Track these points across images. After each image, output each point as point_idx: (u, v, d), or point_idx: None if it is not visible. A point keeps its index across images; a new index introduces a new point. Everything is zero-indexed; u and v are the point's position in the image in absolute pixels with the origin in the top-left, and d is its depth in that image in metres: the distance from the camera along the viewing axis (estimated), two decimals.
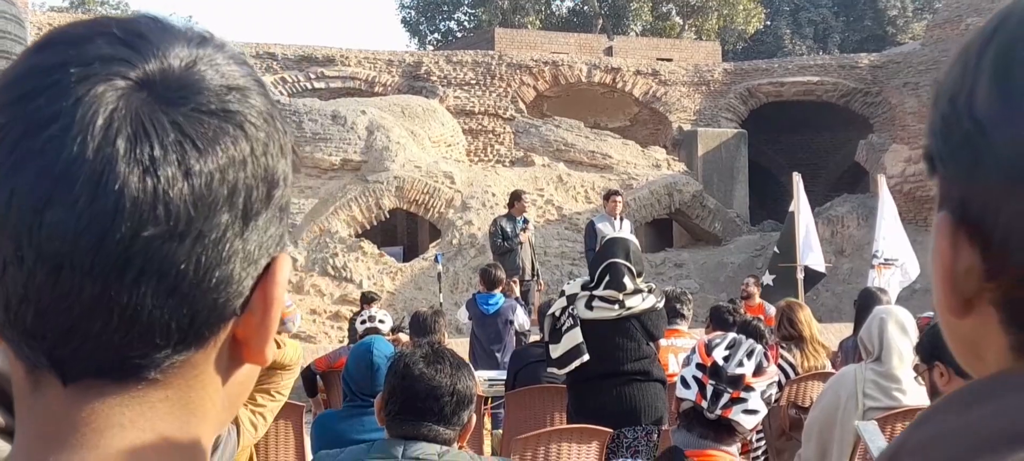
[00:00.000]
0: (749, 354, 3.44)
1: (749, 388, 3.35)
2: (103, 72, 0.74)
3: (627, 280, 5.99)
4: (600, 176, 22.27)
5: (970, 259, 0.76)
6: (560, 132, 23.21)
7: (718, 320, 9.28)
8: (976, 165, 0.75)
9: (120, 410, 0.76)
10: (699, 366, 3.41)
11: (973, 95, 0.76)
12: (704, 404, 3.34)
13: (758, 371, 3.41)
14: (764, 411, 3.47)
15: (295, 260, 18.16)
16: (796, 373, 6.89)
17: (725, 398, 3.33)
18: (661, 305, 6.18)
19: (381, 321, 8.73)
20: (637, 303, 6.00)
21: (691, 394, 3.38)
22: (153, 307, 0.74)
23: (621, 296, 5.96)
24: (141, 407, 0.77)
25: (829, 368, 7.11)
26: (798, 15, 42.97)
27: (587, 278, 6.23)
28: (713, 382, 3.34)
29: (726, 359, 3.39)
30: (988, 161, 0.74)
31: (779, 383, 6.89)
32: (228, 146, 0.75)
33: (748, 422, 3.39)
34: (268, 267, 0.80)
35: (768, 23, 42.34)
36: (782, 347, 7.05)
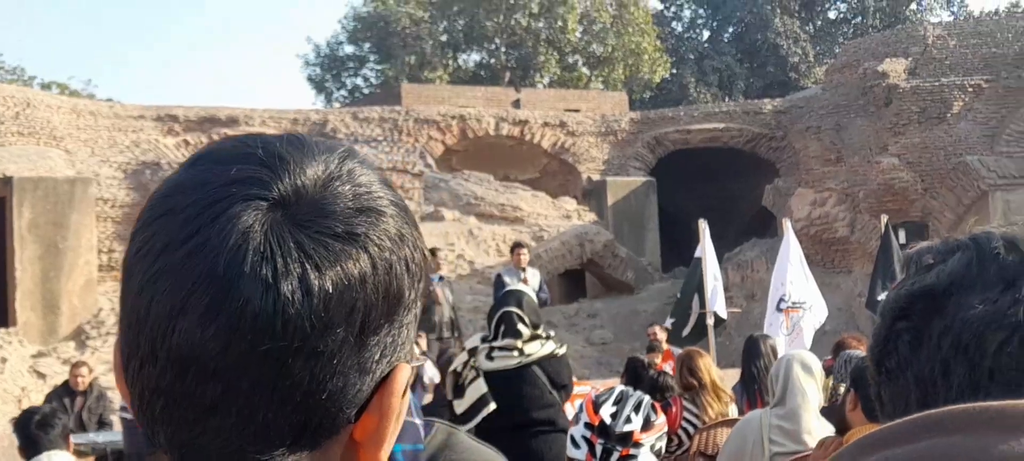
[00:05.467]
0: (636, 408, 3.38)
1: (638, 444, 3.33)
2: (240, 193, 0.80)
3: (521, 327, 5.93)
4: (511, 228, 22.21)
5: None
6: (470, 186, 23.14)
7: (632, 374, 9.19)
8: None
9: None
10: (587, 425, 3.39)
11: None
12: None
13: (646, 425, 3.36)
14: None
15: None
16: (702, 423, 6.83)
17: (615, 456, 3.32)
18: (562, 351, 6.08)
19: None
20: (536, 349, 5.93)
21: (581, 454, 3.37)
22: (268, 411, 0.79)
23: (519, 343, 5.87)
24: None
25: (734, 414, 7.04)
26: (703, 63, 43.62)
27: (486, 332, 6.13)
28: (602, 441, 3.33)
29: (614, 417, 3.37)
30: None
31: (687, 433, 6.82)
32: (349, 267, 0.80)
33: None
34: (388, 376, 0.85)
35: (673, 72, 42.90)
36: (685, 398, 6.98)
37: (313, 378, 0.79)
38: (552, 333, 6.24)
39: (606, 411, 3.37)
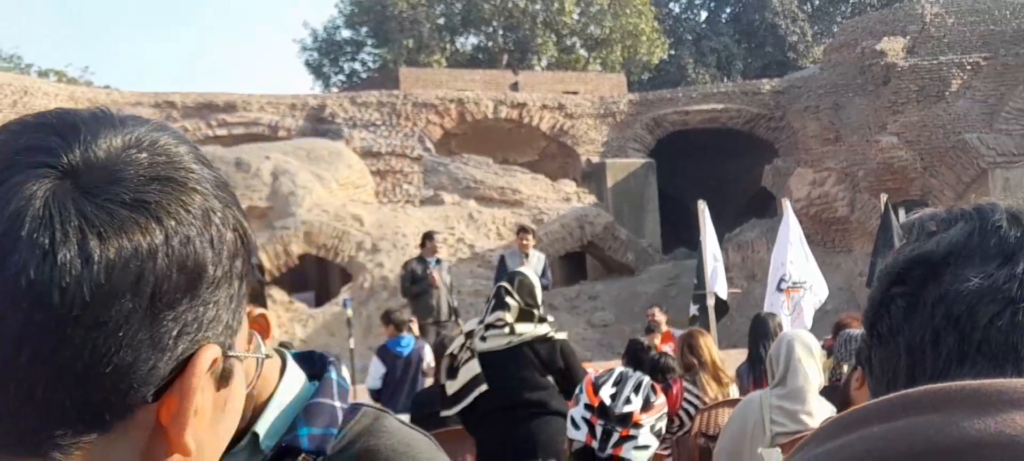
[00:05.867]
0: (636, 389, 3.40)
1: (638, 425, 3.35)
2: (26, 161, 0.77)
3: (509, 300, 5.92)
4: (511, 212, 22.23)
5: None
6: (469, 169, 23.15)
7: (632, 356, 9.21)
8: None
9: None
10: (587, 406, 3.39)
11: None
12: (595, 444, 3.33)
13: (646, 406, 3.38)
14: (655, 444, 3.47)
15: None
16: (702, 403, 6.86)
17: (615, 437, 3.32)
18: (560, 336, 6.06)
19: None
20: (528, 330, 5.91)
21: (581, 435, 3.37)
22: (47, 387, 0.75)
23: (507, 317, 5.86)
24: None
25: (736, 394, 7.08)
26: (701, 44, 43.59)
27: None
28: (602, 422, 3.33)
29: (613, 398, 3.37)
30: None
31: (688, 414, 6.84)
32: (136, 236, 0.76)
33: (640, 458, 3.38)
34: (191, 355, 0.81)
35: (672, 53, 42.85)
36: (686, 380, 7.01)
37: (95, 350, 0.76)
38: (550, 318, 6.22)
39: (606, 392, 3.39)
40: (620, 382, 3.43)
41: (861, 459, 0.85)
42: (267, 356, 0.99)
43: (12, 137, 0.80)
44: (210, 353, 0.82)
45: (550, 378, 5.93)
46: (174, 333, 0.79)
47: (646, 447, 3.39)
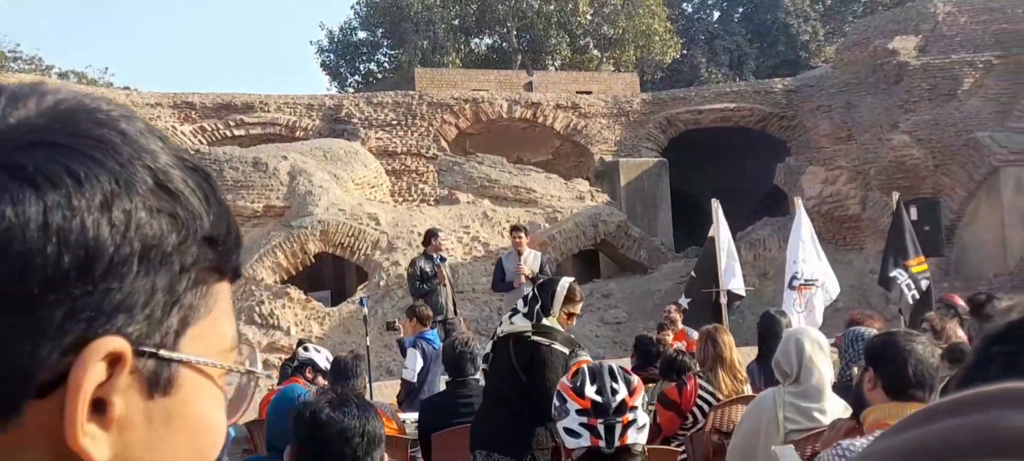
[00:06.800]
0: (613, 376, 3.44)
1: (633, 408, 3.38)
2: None
3: (519, 302, 6.09)
4: (525, 211, 22.35)
5: None
6: (483, 169, 23.28)
7: (642, 351, 9.35)
8: None
9: None
10: (579, 411, 3.37)
11: None
12: (602, 444, 3.34)
13: (629, 388, 3.42)
14: (647, 420, 3.50)
15: None
16: (716, 400, 6.96)
17: (618, 429, 3.34)
18: (542, 340, 5.89)
19: (317, 350, 8.33)
20: (506, 327, 6.00)
21: (584, 441, 3.36)
22: None
23: (519, 310, 6.02)
24: None
25: (750, 391, 7.18)
26: (713, 43, 43.62)
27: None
28: (602, 420, 3.34)
29: (600, 393, 3.38)
30: None
31: (702, 411, 6.95)
32: (4, 206, 0.68)
33: (642, 438, 3.42)
34: (85, 343, 0.70)
35: (684, 52, 42.88)
36: (700, 377, 7.12)
37: None
38: (550, 321, 6.12)
39: (591, 391, 3.38)
40: (597, 376, 3.42)
41: (932, 447, 0.82)
42: (253, 374, 0.86)
43: None
44: (106, 344, 0.71)
45: (522, 376, 5.94)
46: (58, 317, 0.69)
47: (644, 426, 3.42)
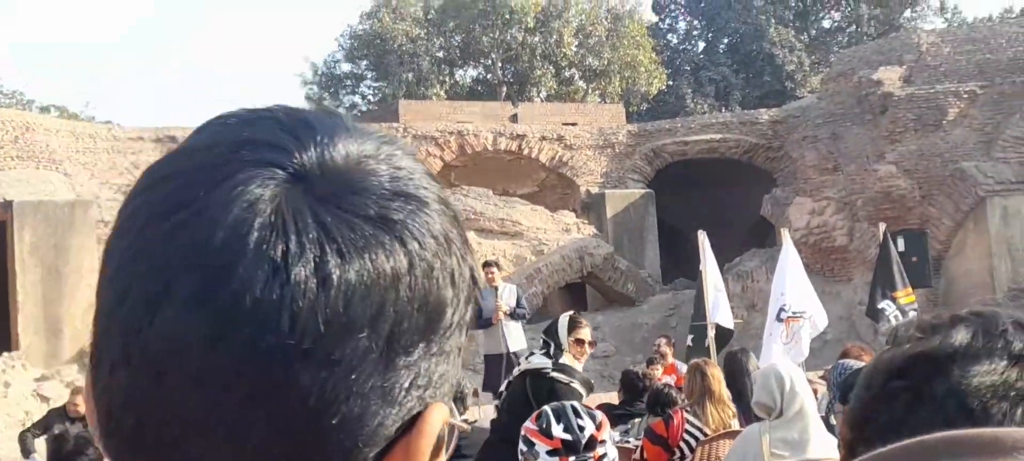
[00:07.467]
0: (577, 414, 3.44)
1: (603, 442, 3.40)
2: (252, 157, 0.65)
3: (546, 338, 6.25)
4: (511, 243, 22.26)
5: None
6: (469, 201, 23.20)
7: (628, 386, 9.24)
8: None
9: None
10: (551, 452, 3.38)
11: None
12: None
13: (595, 422, 3.44)
14: (616, 454, 3.52)
15: None
16: (704, 435, 6.86)
17: None
18: (560, 377, 6.10)
19: None
20: (525, 364, 6.18)
21: None
22: (264, 434, 0.62)
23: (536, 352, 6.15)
24: None
25: (737, 426, 7.08)
26: (699, 74, 43.74)
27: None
28: (574, 456, 3.34)
29: (568, 430, 3.38)
30: None
31: (689, 446, 6.84)
32: (380, 258, 0.64)
33: None
34: (419, 415, 0.68)
35: (670, 83, 43.02)
36: (687, 411, 7.02)
37: (323, 395, 0.62)
38: (562, 361, 6.30)
39: (558, 431, 3.38)
40: (561, 416, 3.43)
41: None
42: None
43: (229, 129, 0.68)
44: (441, 413, 0.68)
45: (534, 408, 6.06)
46: (405, 385, 0.66)
47: (614, 459, 3.45)
